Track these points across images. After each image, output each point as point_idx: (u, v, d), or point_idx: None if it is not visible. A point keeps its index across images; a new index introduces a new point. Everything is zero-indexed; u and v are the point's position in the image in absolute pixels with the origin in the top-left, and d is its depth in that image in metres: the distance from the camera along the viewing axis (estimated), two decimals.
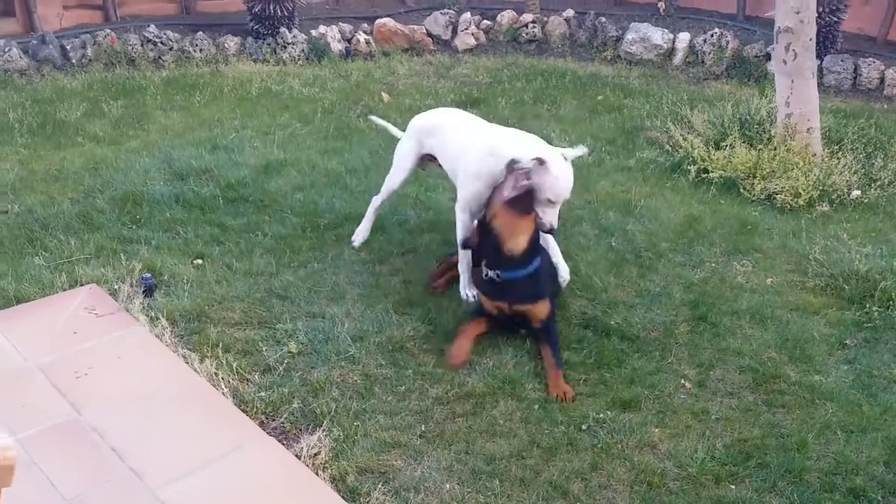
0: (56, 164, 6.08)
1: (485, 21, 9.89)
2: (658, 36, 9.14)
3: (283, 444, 3.47)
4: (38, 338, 4.08)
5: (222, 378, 3.81)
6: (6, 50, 8.02)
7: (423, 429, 3.57)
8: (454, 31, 9.70)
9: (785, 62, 6.23)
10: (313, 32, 9.16)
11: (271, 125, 6.93)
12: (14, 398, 3.66)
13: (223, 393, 3.73)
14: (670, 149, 6.49)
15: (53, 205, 5.39)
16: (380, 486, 3.25)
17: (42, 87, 7.72)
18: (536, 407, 3.72)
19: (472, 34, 9.68)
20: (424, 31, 9.62)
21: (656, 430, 3.61)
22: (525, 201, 3.95)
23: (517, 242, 4.01)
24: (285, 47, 8.90)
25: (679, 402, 3.79)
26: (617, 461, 3.43)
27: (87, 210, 5.30)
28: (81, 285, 4.50)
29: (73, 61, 8.31)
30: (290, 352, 4.02)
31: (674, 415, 3.70)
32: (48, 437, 3.43)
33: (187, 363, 3.92)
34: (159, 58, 8.59)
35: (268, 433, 3.52)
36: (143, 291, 4.44)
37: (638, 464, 3.41)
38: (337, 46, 9.18)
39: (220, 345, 4.03)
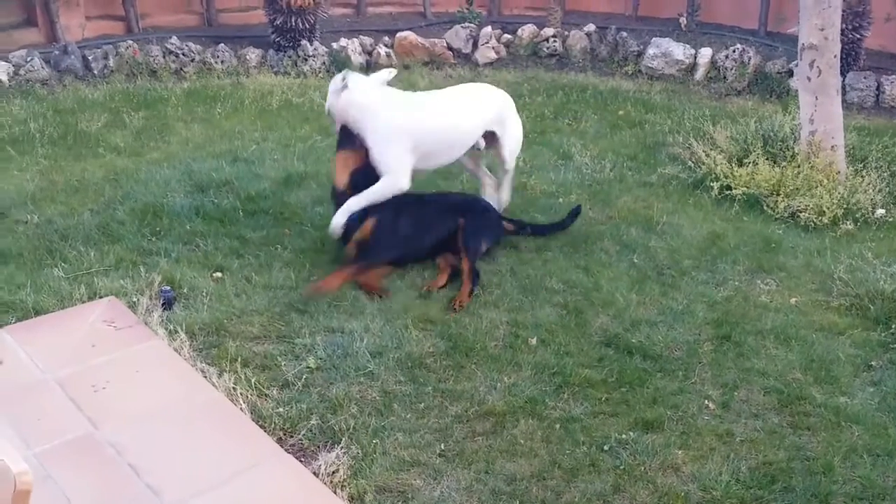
0: (77, 174, 6.09)
1: (505, 35, 9.87)
2: (679, 51, 9.09)
3: (301, 461, 3.43)
4: (57, 350, 4.06)
5: (241, 393, 3.78)
6: (28, 60, 8.06)
7: (442, 447, 3.53)
8: (475, 45, 9.68)
9: (809, 79, 6.17)
10: (334, 45, 9.17)
11: (292, 137, 6.93)
12: (31, 411, 3.64)
13: (241, 408, 3.70)
14: (692, 165, 6.43)
15: (73, 216, 5.39)
16: None
17: (64, 98, 7.75)
18: (557, 427, 3.67)
19: (493, 48, 9.66)
20: (445, 44, 9.61)
21: (680, 451, 3.55)
22: None
23: None
24: (306, 60, 8.90)
25: (703, 423, 3.73)
26: (640, 483, 3.37)
27: (107, 221, 5.30)
28: (100, 298, 4.49)
29: (95, 72, 8.34)
30: (308, 367, 3.99)
31: (697, 436, 3.64)
32: (65, 452, 3.41)
33: (206, 377, 3.90)
34: (181, 69, 8.62)
35: (286, 450, 3.49)
36: (162, 304, 4.42)
37: (661, 486, 3.35)
38: (358, 59, 9.18)
39: (239, 359, 4.01)
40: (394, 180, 4.81)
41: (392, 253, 4.85)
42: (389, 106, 4.87)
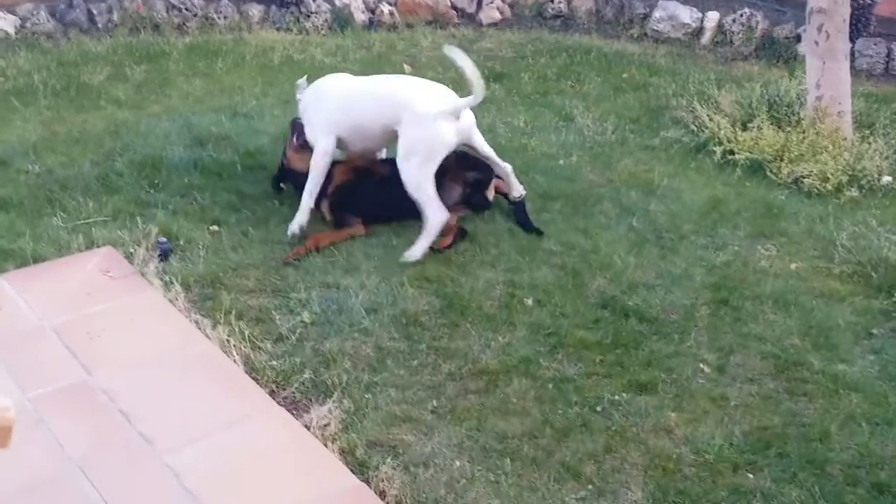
0: (78, 126, 6.06)
1: None
2: (686, 14, 8.96)
3: (292, 414, 3.44)
4: (53, 298, 4.08)
5: (234, 345, 3.78)
6: (34, 13, 8.00)
7: (434, 404, 3.53)
8: (479, 5, 9.54)
9: (817, 43, 6.08)
10: (337, 2, 9.03)
11: (292, 94, 6.77)
12: (26, 357, 3.67)
13: (234, 360, 3.71)
14: (696, 129, 6.36)
15: (73, 166, 5.38)
16: (389, 460, 3.21)
17: (68, 51, 7.68)
18: (550, 386, 3.67)
19: (497, 8, 9.52)
20: (449, 3, 9.45)
21: (673, 414, 3.54)
22: None
23: None
24: (309, 16, 8.79)
25: (697, 386, 3.72)
26: (631, 445, 3.37)
27: (107, 172, 5.28)
28: (97, 247, 4.50)
29: (99, 25, 8.26)
30: (303, 321, 3.98)
31: (691, 399, 3.63)
32: (58, 398, 3.43)
33: (200, 329, 3.90)
34: (183, 24, 8.52)
35: (278, 403, 3.50)
36: (159, 256, 4.41)
37: (653, 448, 3.35)
38: (361, 17, 9.07)
39: (234, 312, 4.00)
40: (320, 145, 4.81)
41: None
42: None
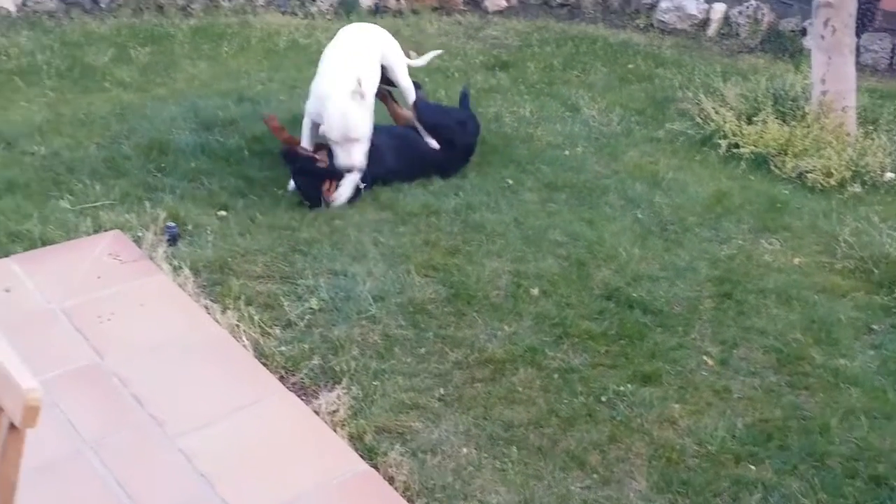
0: (83, 108, 6.05)
1: None
2: (693, 5, 8.96)
3: (302, 399, 3.48)
4: (62, 281, 4.09)
5: (244, 330, 3.81)
6: None
7: (441, 392, 3.57)
8: None
9: (823, 38, 6.10)
10: None
11: (298, 79, 6.86)
12: (37, 340, 3.67)
13: (244, 345, 3.74)
14: (701, 121, 6.38)
15: (80, 149, 5.38)
16: (397, 446, 3.25)
17: (70, 31, 7.65)
18: (556, 376, 3.71)
19: None
20: None
21: (677, 405, 3.59)
22: None
23: None
24: (314, 1, 8.79)
25: (700, 378, 3.76)
26: (636, 435, 3.42)
27: (113, 155, 5.29)
28: (105, 231, 4.51)
29: (102, 5, 8.23)
30: (311, 308, 4.01)
31: (695, 391, 3.68)
32: (70, 381, 3.46)
33: (209, 314, 3.93)
34: (188, 5, 8.49)
35: (287, 388, 3.53)
36: (167, 240, 4.43)
37: (657, 439, 3.40)
38: (366, 2, 9.04)
39: (242, 297, 4.03)
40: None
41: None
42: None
